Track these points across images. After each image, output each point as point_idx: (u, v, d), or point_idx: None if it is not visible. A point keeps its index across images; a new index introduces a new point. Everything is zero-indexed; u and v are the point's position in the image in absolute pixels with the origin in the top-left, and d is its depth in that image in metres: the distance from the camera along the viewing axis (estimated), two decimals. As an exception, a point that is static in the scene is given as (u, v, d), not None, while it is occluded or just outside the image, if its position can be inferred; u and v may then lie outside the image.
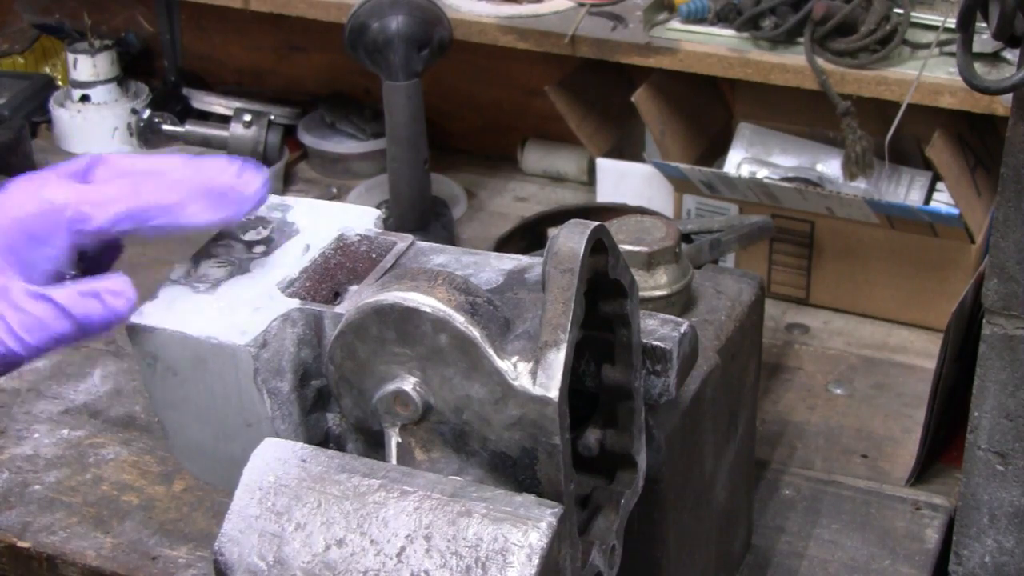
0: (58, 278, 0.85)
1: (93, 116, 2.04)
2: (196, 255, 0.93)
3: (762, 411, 1.41)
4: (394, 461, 0.82)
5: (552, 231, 0.81)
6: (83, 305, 0.83)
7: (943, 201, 1.61)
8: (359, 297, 0.85)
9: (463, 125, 2.07)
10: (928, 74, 1.50)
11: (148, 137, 2.04)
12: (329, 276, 0.92)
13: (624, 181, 1.78)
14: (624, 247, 1.08)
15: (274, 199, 0.98)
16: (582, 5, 1.71)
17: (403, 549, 0.76)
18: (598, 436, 0.88)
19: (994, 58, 1.47)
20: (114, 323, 0.84)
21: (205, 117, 2.06)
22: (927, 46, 1.53)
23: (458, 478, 0.80)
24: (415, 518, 0.76)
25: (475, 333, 0.78)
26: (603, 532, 0.86)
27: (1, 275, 0.82)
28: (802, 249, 1.64)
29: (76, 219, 0.83)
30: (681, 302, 1.12)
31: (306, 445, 0.82)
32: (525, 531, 0.75)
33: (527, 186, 1.99)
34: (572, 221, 0.79)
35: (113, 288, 0.83)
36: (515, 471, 0.80)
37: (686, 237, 1.44)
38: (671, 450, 0.96)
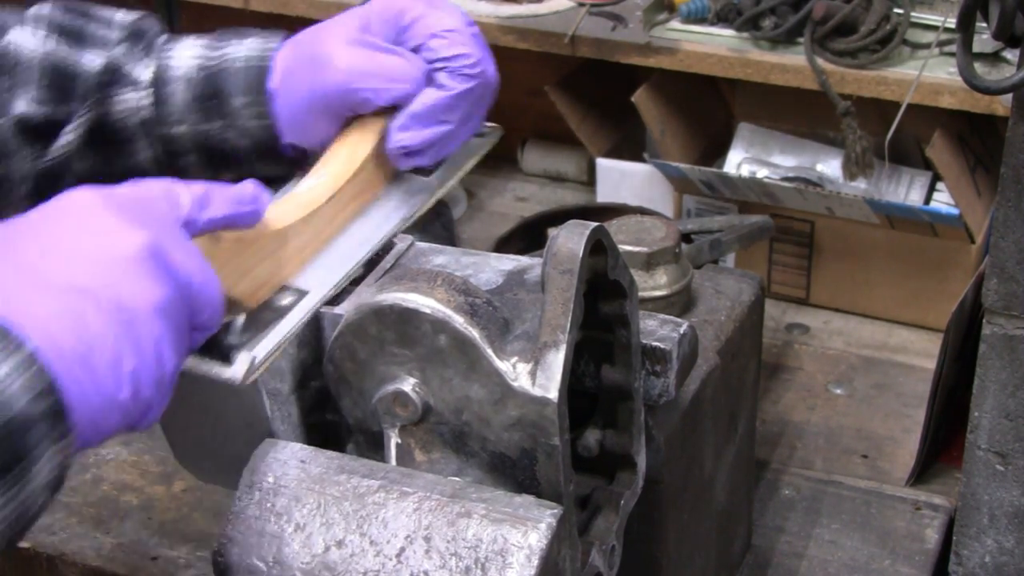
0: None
1: (93, 116, 2.04)
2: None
3: (762, 411, 1.41)
4: (394, 462, 0.82)
5: (552, 231, 0.81)
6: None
7: (943, 201, 1.61)
8: (359, 298, 0.85)
9: (463, 125, 2.07)
10: (928, 74, 1.49)
11: (148, 137, 2.03)
12: (329, 276, 0.92)
13: (624, 181, 1.78)
14: (624, 247, 1.08)
15: (274, 199, 0.98)
16: (582, 5, 1.71)
17: (403, 550, 0.76)
18: (598, 436, 0.88)
19: (994, 58, 1.47)
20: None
21: (205, 117, 2.06)
22: (927, 46, 1.53)
23: (457, 479, 0.80)
24: (415, 519, 0.76)
25: (474, 334, 0.78)
26: (603, 532, 0.86)
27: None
28: (802, 249, 1.64)
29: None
30: (681, 302, 1.11)
31: (305, 446, 0.82)
32: (524, 532, 0.75)
33: (527, 186, 1.99)
34: (572, 221, 0.79)
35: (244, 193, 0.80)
36: (514, 472, 0.80)
37: (686, 237, 1.44)
38: (671, 450, 0.96)
